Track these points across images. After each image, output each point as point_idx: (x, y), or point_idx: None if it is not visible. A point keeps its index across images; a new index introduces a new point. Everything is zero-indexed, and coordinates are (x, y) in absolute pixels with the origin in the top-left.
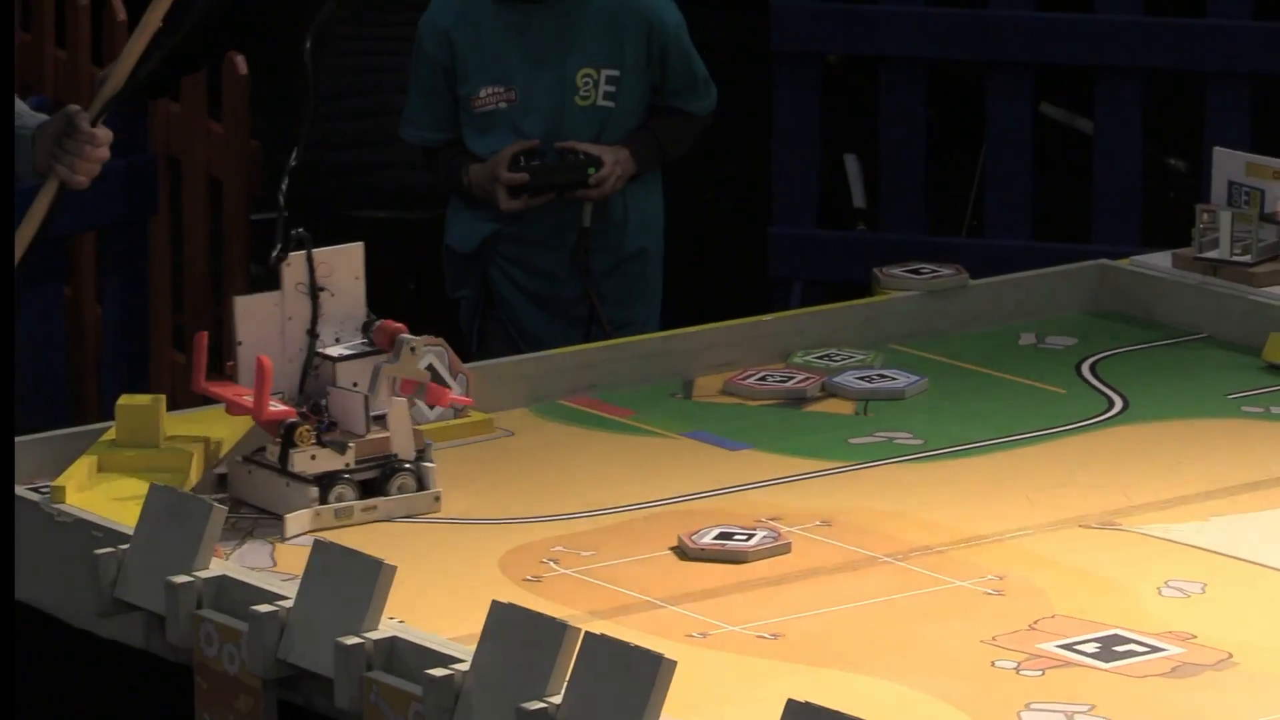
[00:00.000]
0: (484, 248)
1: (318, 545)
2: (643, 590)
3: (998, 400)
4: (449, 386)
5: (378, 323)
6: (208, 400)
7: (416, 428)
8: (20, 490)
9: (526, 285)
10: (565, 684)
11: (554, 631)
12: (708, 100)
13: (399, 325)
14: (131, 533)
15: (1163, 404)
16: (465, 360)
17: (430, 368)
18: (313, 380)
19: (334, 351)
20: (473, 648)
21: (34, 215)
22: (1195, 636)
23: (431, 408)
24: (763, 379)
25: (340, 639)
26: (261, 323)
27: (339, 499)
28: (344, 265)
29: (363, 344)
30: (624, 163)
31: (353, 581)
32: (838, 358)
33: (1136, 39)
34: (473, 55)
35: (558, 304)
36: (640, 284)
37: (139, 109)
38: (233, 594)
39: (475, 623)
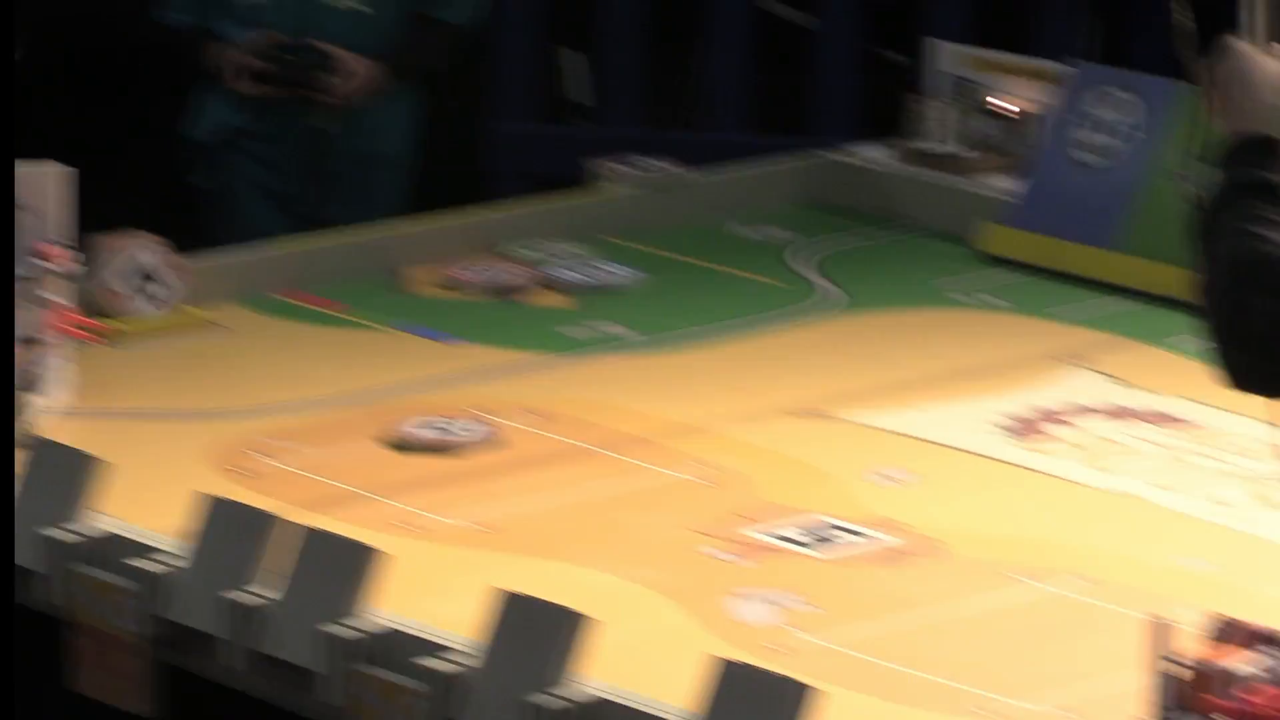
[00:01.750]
0: (223, 139)
1: (38, 442)
2: (353, 482)
3: (711, 293)
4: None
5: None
6: None
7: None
8: None
9: (259, 179)
10: (275, 575)
11: (260, 522)
12: (464, 8)
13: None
14: None
15: (875, 294)
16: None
17: (141, 266)
18: None
19: None
20: (187, 543)
21: None
22: (905, 524)
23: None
24: (476, 272)
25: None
26: None
27: None
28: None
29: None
30: (367, 74)
31: (64, 478)
32: (551, 251)
33: None
34: None
35: (286, 200)
36: (382, 191)
37: None
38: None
39: (182, 515)
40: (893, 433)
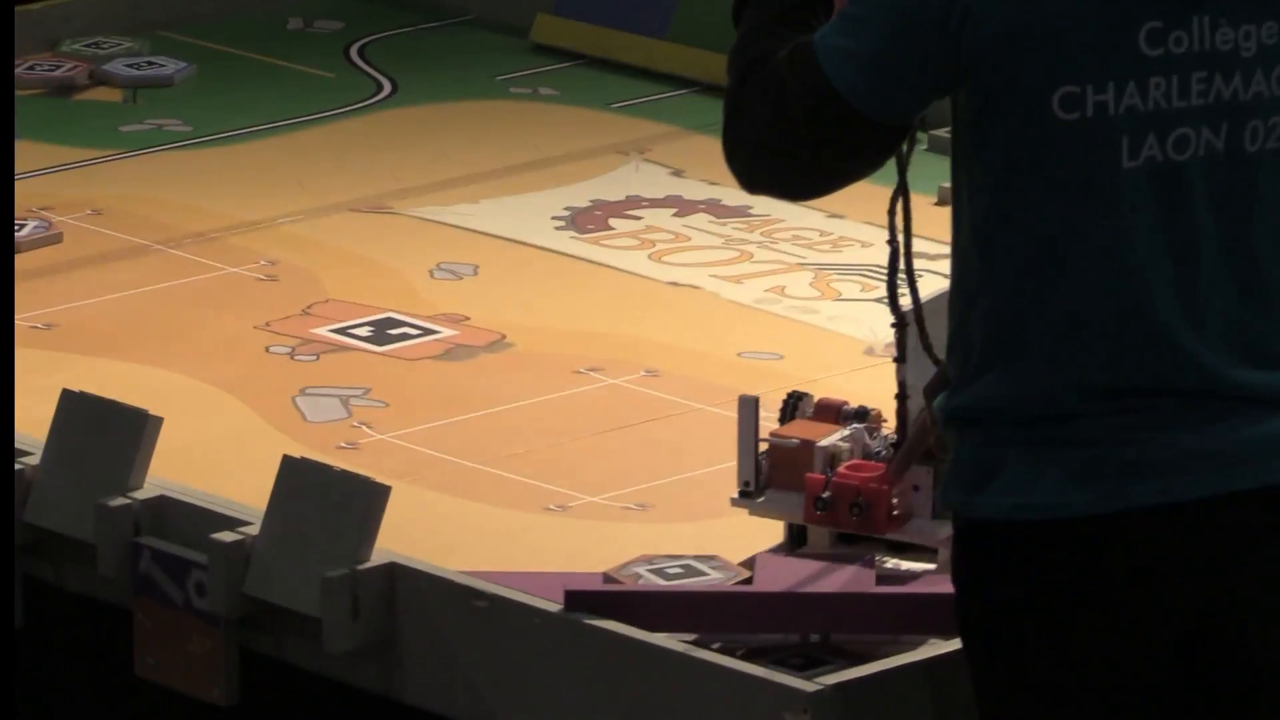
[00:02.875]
0: None
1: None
2: None
3: (268, 86)
4: None
5: None
6: None
7: None
8: None
9: None
10: None
11: None
12: None
13: None
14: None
15: (432, 87)
16: None
17: None
18: None
19: None
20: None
21: None
22: (468, 318)
23: None
24: (30, 68)
25: None
26: None
27: None
28: None
29: None
30: None
31: None
32: (105, 45)
33: None
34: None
35: None
36: None
37: None
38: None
39: None
40: (455, 227)
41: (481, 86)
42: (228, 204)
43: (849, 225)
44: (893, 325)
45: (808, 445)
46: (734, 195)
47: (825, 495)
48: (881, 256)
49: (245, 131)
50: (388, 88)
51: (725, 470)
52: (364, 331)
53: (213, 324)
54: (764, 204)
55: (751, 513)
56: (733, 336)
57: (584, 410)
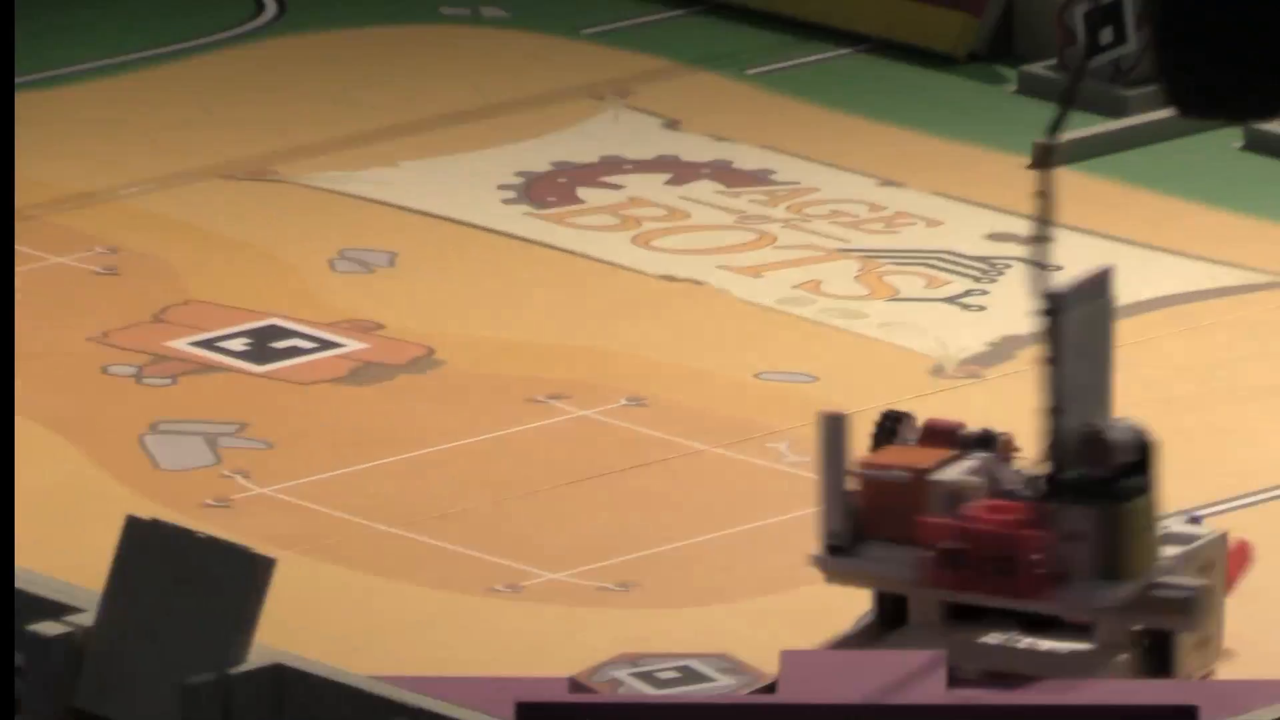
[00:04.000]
0: None
1: None
2: None
3: (108, 4)
4: None
5: None
6: None
7: None
8: None
9: None
10: None
11: None
12: None
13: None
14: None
15: (331, 6)
16: None
17: None
18: None
19: None
20: None
21: None
22: (382, 326)
23: None
24: None
25: None
26: None
27: None
28: None
29: None
30: None
31: None
32: None
33: None
34: None
35: None
36: None
37: None
38: None
39: None
40: (364, 200)
41: (399, 5)
42: (51, 170)
43: (908, 196)
44: (1043, 311)
45: (920, 478)
46: (750, 155)
47: (954, 546)
48: (954, 239)
49: (76, 70)
50: (272, 8)
51: (741, 535)
52: (238, 345)
53: (30, 336)
54: (790, 168)
55: (832, 580)
56: (748, 350)
57: (543, 453)
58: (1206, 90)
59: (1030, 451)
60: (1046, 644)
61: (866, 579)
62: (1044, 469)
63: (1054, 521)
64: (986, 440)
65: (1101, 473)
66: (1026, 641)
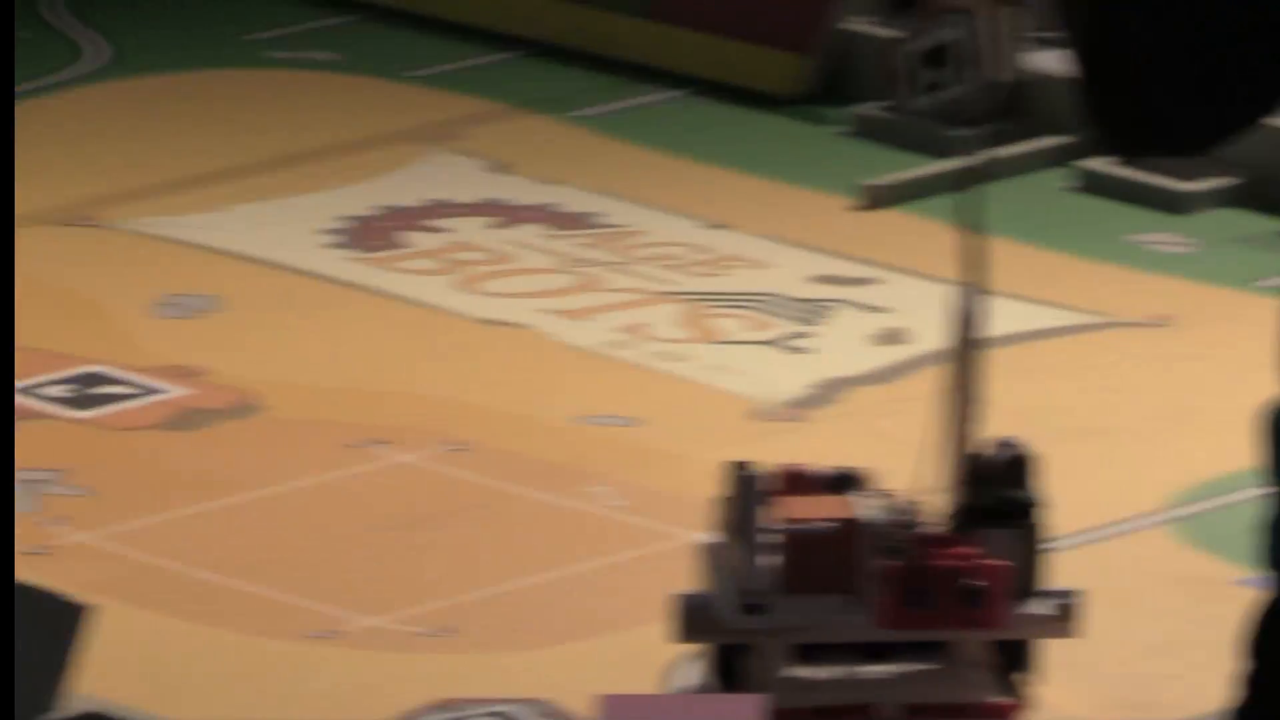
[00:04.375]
0: None
1: None
2: None
3: None
4: None
5: None
6: None
7: None
8: None
9: None
10: None
11: None
12: None
13: None
14: None
15: (161, 52)
16: None
17: None
18: None
19: None
20: None
21: None
22: (204, 372)
23: None
24: None
25: None
26: None
27: None
28: None
29: None
30: None
31: None
32: None
33: None
34: None
35: None
36: None
37: None
38: None
39: None
40: (187, 244)
41: (227, 50)
42: None
43: (735, 239)
44: (961, 338)
45: (849, 526)
46: (577, 198)
47: (918, 586)
48: (780, 282)
49: None
50: (103, 51)
51: (562, 579)
52: (59, 391)
53: None
54: (618, 210)
55: (748, 639)
56: (569, 394)
57: (363, 499)
58: (1141, 125)
59: (898, 486)
60: (889, 668)
61: (797, 634)
62: (950, 499)
63: (985, 548)
64: (849, 480)
65: (1010, 494)
66: (867, 669)
